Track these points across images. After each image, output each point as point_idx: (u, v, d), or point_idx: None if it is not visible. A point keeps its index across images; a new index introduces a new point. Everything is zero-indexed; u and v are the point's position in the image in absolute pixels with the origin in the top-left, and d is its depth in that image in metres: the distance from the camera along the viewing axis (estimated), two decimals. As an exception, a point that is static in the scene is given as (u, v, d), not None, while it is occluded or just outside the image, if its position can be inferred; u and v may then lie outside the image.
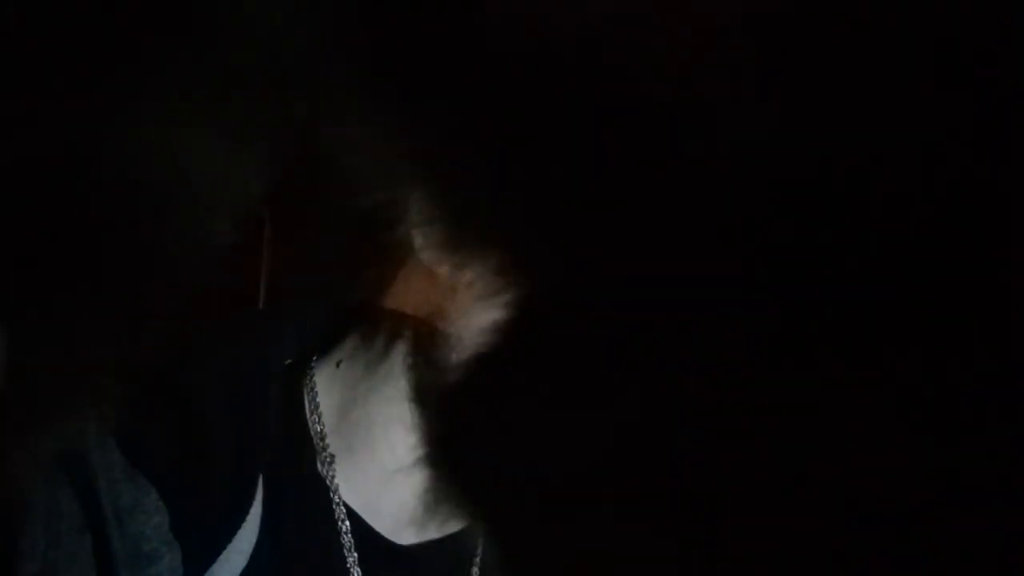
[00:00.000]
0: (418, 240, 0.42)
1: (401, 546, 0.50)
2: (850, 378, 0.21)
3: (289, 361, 0.53)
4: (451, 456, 0.26)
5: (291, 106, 0.27)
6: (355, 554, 0.48)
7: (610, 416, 0.23)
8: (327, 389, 0.53)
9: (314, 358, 0.54)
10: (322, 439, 0.51)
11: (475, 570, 0.50)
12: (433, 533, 0.49)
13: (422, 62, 0.24)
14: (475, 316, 0.32)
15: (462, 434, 0.26)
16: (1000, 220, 0.19)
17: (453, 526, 0.46)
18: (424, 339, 0.51)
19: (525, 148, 0.23)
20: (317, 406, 0.52)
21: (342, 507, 0.49)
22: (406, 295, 0.51)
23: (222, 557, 0.45)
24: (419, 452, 0.26)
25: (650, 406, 0.22)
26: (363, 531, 0.49)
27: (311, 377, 0.53)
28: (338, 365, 0.53)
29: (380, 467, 0.51)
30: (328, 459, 0.50)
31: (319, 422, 0.51)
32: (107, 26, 0.24)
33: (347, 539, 0.48)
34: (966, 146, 0.19)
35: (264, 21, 0.25)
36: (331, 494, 0.49)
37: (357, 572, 0.48)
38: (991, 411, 0.20)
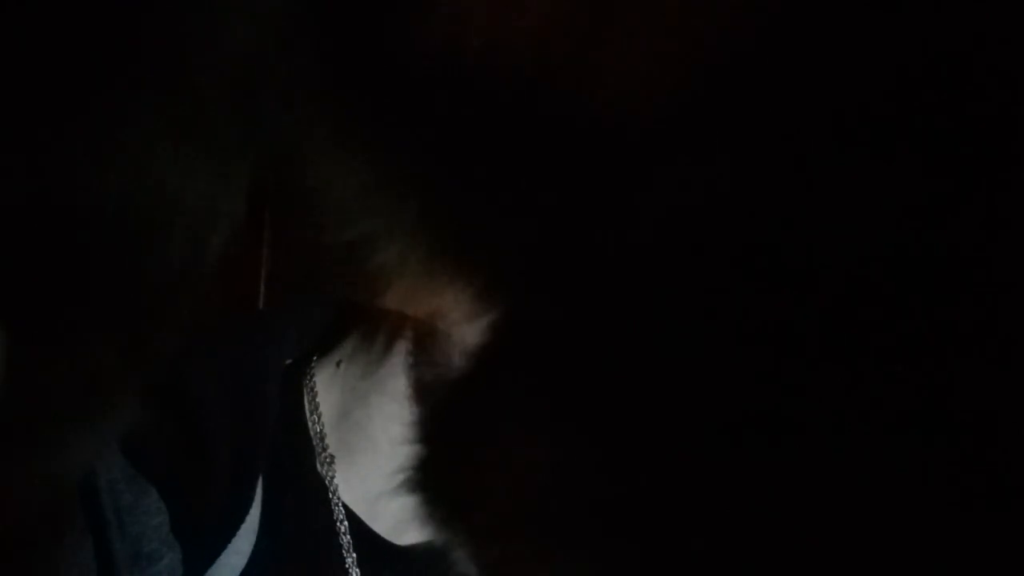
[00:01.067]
0: (401, 268, 0.42)
1: (400, 546, 0.50)
2: (830, 391, 0.21)
3: (289, 361, 0.53)
4: (433, 482, 0.26)
5: (269, 127, 0.28)
6: (354, 555, 0.48)
7: (589, 439, 0.23)
8: (327, 389, 0.53)
9: (314, 358, 0.54)
10: (321, 439, 0.51)
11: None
12: (431, 533, 0.49)
13: (392, 92, 0.24)
14: (468, 320, 0.32)
15: (443, 461, 0.26)
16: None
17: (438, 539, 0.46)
18: (424, 340, 0.51)
19: (499, 178, 0.24)
20: (317, 406, 0.52)
21: (341, 507, 0.49)
22: (406, 294, 0.51)
23: (222, 558, 0.45)
24: (405, 473, 0.27)
25: (630, 432, 0.22)
26: (362, 531, 0.49)
27: (311, 377, 0.53)
28: (338, 365, 0.53)
29: (379, 467, 0.50)
30: (327, 459, 0.50)
31: (319, 422, 0.51)
32: (84, 56, 0.24)
33: (346, 539, 0.48)
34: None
35: (237, 49, 0.25)
36: (330, 494, 0.49)
37: (356, 572, 0.48)
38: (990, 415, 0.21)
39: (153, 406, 0.47)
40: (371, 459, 0.51)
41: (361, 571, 0.48)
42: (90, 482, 0.42)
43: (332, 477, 0.50)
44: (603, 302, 0.24)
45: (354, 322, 0.55)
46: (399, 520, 0.50)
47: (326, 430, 0.51)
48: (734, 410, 0.21)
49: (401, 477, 0.34)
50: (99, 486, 0.42)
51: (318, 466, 0.50)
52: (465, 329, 0.44)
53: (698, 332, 0.22)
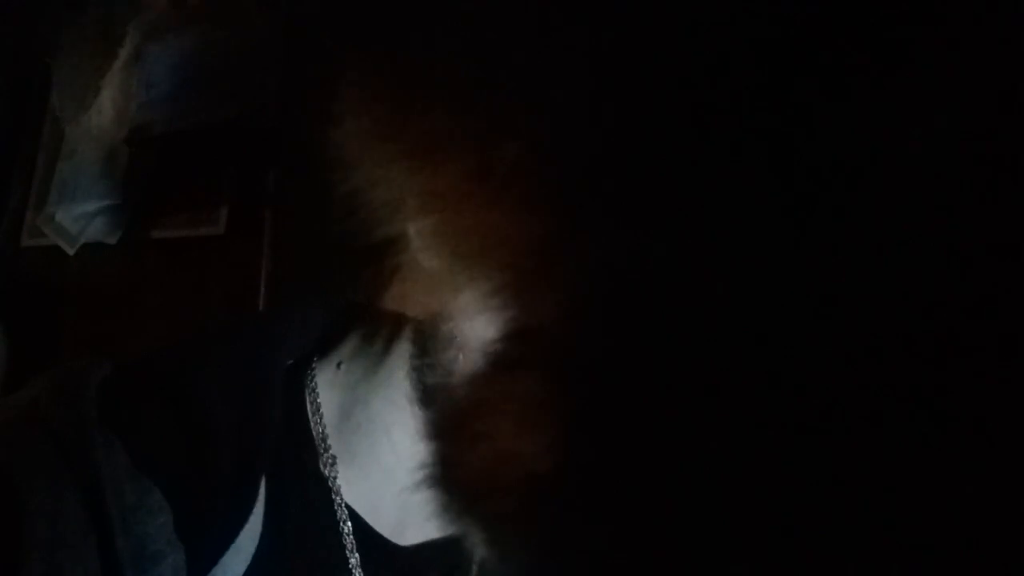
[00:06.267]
0: (415, 241, 0.41)
1: (402, 547, 0.50)
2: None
3: (290, 362, 0.53)
4: (446, 475, 0.27)
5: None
6: (357, 555, 0.48)
7: (590, 440, 0.23)
8: (328, 391, 0.53)
9: (314, 359, 0.54)
10: (324, 440, 0.51)
11: (475, 568, 0.50)
12: (434, 533, 0.50)
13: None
14: (476, 320, 0.32)
15: (454, 457, 0.26)
16: None
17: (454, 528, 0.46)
18: (426, 340, 0.51)
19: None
20: (318, 407, 0.52)
21: (344, 508, 0.49)
22: (407, 295, 0.51)
23: (225, 557, 0.45)
24: (420, 466, 0.27)
25: (629, 436, 0.23)
26: (365, 532, 0.49)
27: (312, 378, 0.53)
28: (339, 366, 0.53)
29: (382, 468, 0.51)
30: (330, 460, 0.50)
31: (320, 423, 0.51)
32: None
33: (349, 540, 0.48)
34: None
35: None
36: (333, 495, 0.49)
37: (359, 573, 0.48)
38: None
39: (156, 406, 0.47)
40: (373, 460, 0.51)
41: (364, 571, 0.48)
42: (94, 481, 0.42)
43: (335, 478, 0.50)
44: (612, 307, 0.24)
45: (353, 323, 0.55)
46: (402, 520, 0.50)
47: (328, 431, 0.51)
48: (733, 417, 0.22)
49: (406, 477, 0.34)
50: (103, 486, 0.42)
51: (321, 467, 0.50)
52: (469, 330, 0.44)
53: (695, 346, 0.22)
